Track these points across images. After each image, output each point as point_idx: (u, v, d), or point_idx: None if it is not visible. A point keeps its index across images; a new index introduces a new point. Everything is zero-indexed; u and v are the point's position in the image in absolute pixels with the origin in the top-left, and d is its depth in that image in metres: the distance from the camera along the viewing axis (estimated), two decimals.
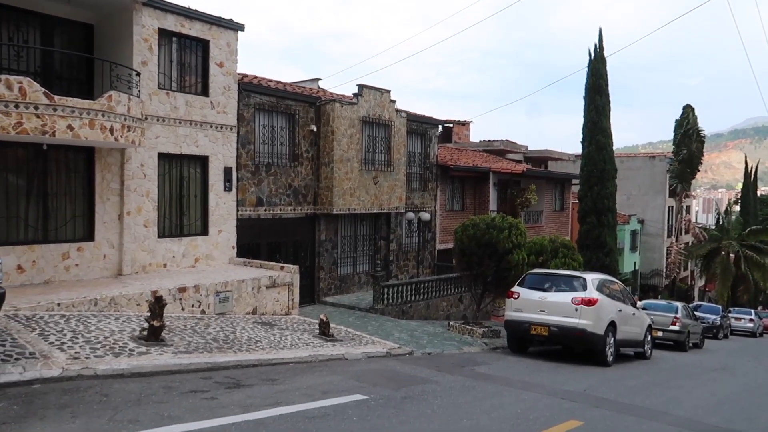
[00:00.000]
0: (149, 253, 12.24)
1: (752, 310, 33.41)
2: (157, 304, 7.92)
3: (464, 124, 31.55)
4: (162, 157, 12.58)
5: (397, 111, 18.55)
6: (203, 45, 13.29)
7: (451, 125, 30.36)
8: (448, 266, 19.94)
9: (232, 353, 8.13)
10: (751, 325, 30.03)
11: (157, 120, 12.34)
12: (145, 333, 7.87)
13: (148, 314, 8.10)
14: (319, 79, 20.89)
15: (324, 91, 19.20)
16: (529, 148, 32.41)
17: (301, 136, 16.27)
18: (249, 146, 14.80)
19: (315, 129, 16.49)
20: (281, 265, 13.44)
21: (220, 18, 13.42)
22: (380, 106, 17.87)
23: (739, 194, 52.91)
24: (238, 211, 14.34)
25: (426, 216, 19.75)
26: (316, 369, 8.20)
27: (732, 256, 38.60)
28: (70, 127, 9.50)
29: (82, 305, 9.00)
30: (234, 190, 14.16)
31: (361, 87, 17.42)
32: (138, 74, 11.40)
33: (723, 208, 48.57)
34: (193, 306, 10.79)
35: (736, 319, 29.91)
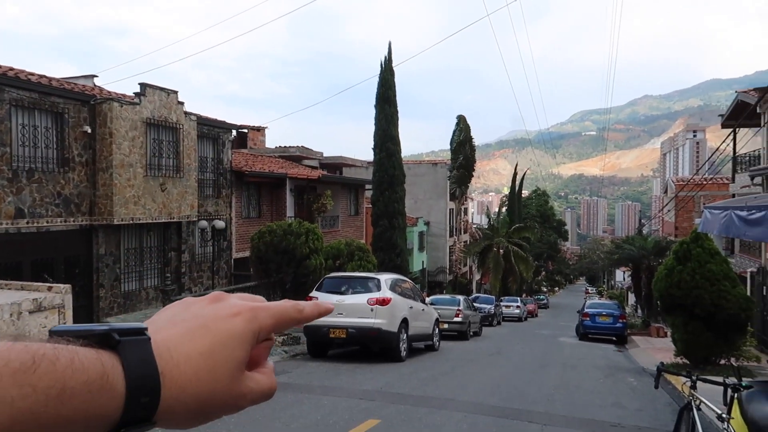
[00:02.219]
0: None
1: (518, 298, 38.30)
2: None
3: (259, 130, 31.04)
4: None
5: (186, 113, 17.48)
6: None
7: (246, 130, 29.66)
8: (246, 275, 19.34)
9: None
10: (518, 311, 34.34)
11: None
12: None
13: None
14: (95, 76, 18.75)
15: (100, 89, 17.30)
16: (325, 155, 33.14)
17: (73, 138, 14.42)
18: (4, 149, 12.67)
19: (89, 130, 14.74)
20: (49, 285, 11.70)
21: None
22: (167, 108, 16.65)
23: (506, 197, 60.44)
24: None
25: (220, 224, 18.91)
26: None
27: (501, 251, 43.88)
28: None
29: None
30: None
31: (143, 86, 16.05)
32: None
33: (494, 210, 55.03)
34: None
35: (506, 306, 33.98)
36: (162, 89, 16.57)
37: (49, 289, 11.54)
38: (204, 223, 18.45)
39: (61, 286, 11.73)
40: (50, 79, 15.05)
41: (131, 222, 15.56)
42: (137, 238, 16.68)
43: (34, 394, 0.38)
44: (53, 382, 0.39)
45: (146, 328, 0.47)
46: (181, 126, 17.12)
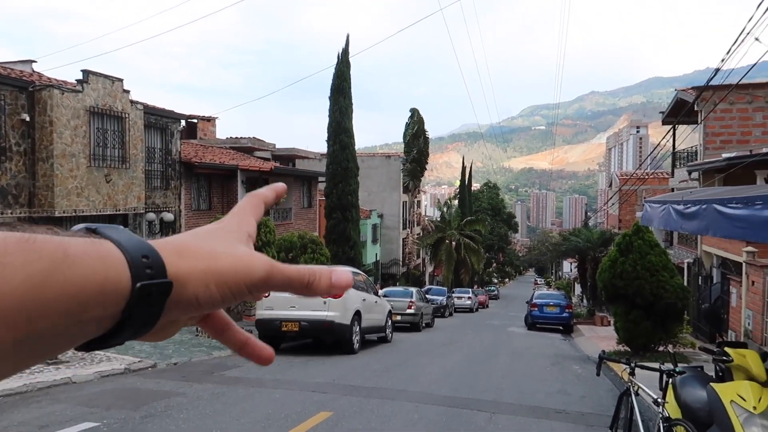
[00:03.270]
0: None
1: (470, 290, 38.93)
2: None
3: (210, 120, 30.35)
4: None
5: (133, 102, 16.93)
6: None
7: (196, 120, 28.95)
8: None
9: None
10: (469, 302, 34.93)
11: None
12: None
13: None
14: (33, 61, 17.92)
15: (39, 75, 16.55)
16: (278, 146, 32.72)
17: (10, 126, 13.77)
18: None
19: (28, 118, 14.10)
20: None
21: None
22: (111, 96, 16.09)
23: (458, 190, 61.20)
24: None
25: (169, 216, 18.47)
26: (34, 399, 6.97)
27: (453, 243, 44.48)
28: None
29: None
30: None
31: (86, 73, 15.45)
32: None
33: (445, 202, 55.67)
34: None
35: (458, 298, 34.49)
36: (106, 76, 16.00)
37: None
38: (152, 216, 17.97)
39: None
40: None
41: (74, 214, 15.00)
42: None
43: (41, 259, 0.38)
44: (56, 247, 0.39)
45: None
46: (126, 115, 16.59)
